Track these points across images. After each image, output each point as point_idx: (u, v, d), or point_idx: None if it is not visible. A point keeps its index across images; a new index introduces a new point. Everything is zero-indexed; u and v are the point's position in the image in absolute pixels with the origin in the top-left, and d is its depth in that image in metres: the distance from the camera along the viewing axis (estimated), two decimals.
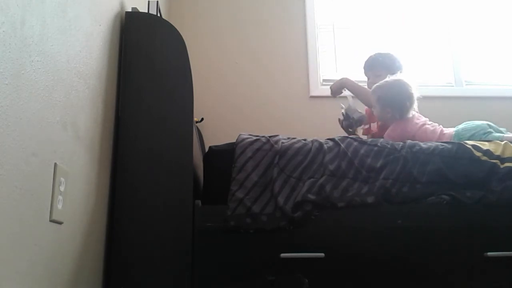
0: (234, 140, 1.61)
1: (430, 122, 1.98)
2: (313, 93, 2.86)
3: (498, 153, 1.58)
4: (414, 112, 1.97)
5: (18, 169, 0.80)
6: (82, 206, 1.14)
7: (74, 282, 1.08)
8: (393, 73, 2.15)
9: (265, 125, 2.69)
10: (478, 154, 1.57)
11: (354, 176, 1.52)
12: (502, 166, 1.54)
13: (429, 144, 1.63)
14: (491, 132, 1.81)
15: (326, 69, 2.97)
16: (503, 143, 1.63)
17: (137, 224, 1.35)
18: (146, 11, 1.59)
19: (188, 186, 1.40)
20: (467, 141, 1.65)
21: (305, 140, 1.64)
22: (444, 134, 1.90)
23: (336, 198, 1.47)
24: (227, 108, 2.80)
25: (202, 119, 2.67)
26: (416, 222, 1.48)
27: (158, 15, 1.61)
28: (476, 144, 1.62)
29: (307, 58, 2.93)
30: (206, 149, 1.69)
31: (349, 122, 2.16)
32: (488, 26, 3.15)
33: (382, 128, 2.16)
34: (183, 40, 1.52)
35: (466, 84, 3.00)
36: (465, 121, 2.06)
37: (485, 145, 1.62)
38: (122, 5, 1.54)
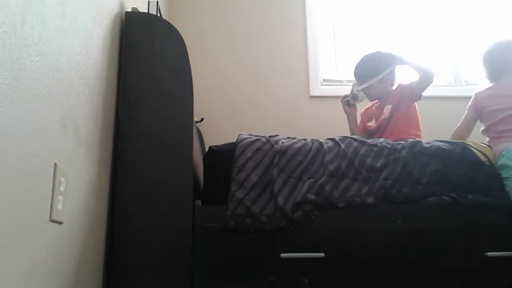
0: (234, 140, 1.61)
1: None
2: (313, 93, 2.86)
3: None
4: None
5: (18, 169, 0.80)
6: (82, 206, 1.14)
7: (74, 282, 1.08)
8: (383, 72, 2.12)
9: (265, 125, 2.69)
10: (483, 159, 1.57)
11: (354, 176, 1.52)
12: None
13: (431, 143, 1.62)
14: None
15: (326, 69, 2.97)
16: None
17: (137, 224, 1.35)
18: (146, 11, 1.59)
19: (188, 186, 1.40)
20: (472, 144, 1.64)
21: (305, 140, 1.64)
22: None
23: (336, 198, 1.47)
24: (227, 108, 2.80)
25: (202, 119, 2.67)
26: (416, 223, 1.48)
27: (158, 15, 1.60)
28: (481, 149, 1.61)
29: (307, 58, 2.93)
30: (206, 149, 1.69)
31: (347, 97, 2.18)
32: (488, 27, 3.15)
33: (380, 125, 2.16)
34: (183, 40, 1.52)
35: (466, 84, 3.00)
36: None
37: (491, 155, 1.62)
38: (122, 5, 1.54)
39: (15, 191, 0.79)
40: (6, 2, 0.76)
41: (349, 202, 1.47)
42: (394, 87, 2.19)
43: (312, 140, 1.63)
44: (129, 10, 1.56)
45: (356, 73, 2.18)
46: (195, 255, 1.38)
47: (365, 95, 2.14)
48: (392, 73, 2.15)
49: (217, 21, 2.97)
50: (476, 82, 3.03)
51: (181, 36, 1.52)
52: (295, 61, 2.93)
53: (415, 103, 2.17)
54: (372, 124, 2.24)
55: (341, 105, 2.35)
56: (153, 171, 1.39)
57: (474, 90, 2.93)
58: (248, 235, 1.42)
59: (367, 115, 2.31)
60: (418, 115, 2.18)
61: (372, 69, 2.11)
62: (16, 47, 0.79)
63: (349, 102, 2.19)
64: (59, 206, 0.97)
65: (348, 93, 2.19)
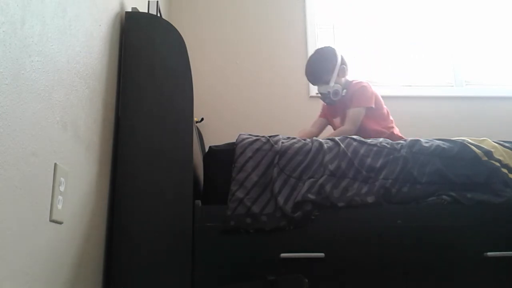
0: (234, 140, 1.61)
1: None
2: (313, 93, 2.85)
3: (506, 162, 1.57)
4: None
5: (18, 169, 0.80)
6: (82, 206, 1.14)
7: (73, 282, 1.08)
8: (337, 63, 2.11)
9: (265, 125, 2.69)
10: (480, 154, 1.57)
11: (354, 176, 1.52)
12: (503, 170, 1.54)
13: (430, 143, 1.62)
14: None
15: None
16: None
17: (137, 224, 1.35)
18: (146, 11, 1.59)
19: (188, 186, 1.40)
20: (469, 140, 1.64)
21: (305, 140, 1.64)
22: None
23: (336, 198, 1.47)
24: (227, 108, 2.80)
25: (202, 119, 2.67)
26: (416, 222, 1.48)
27: (158, 15, 1.61)
28: (479, 144, 1.61)
29: (307, 58, 2.92)
30: (206, 149, 1.69)
31: (328, 99, 2.14)
32: (488, 27, 3.15)
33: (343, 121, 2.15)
34: (183, 40, 1.52)
35: (466, 84, 3.01)
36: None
37: (489, 147, 1.61)
38: (122, 5, 1.55)
39: (15, 191, 0.79)
40: (6, 2, 0.76)
41: (349, 201, 1.47)
42: (350, 79, 2.18)
43: (312, 140, 1.63)
44: (129, 10, 1.56)
45: (314, 75, 2.17)
46: (195, 255, 1.38)
47: (343, 87, 2.12)
48: (343, 61, 2.16)
49: (217, 21, 2.97)
50: (476, 82, 3.04)
51: (181, 36, 1.53)
52: (295, 61, 2.92)
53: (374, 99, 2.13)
54: (337, 121, 2.23)
55: None
56: (153, 171, 1.39)
57: (474, 90, 2.96)
58: (248, 235, 1.42)
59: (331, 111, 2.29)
60: (382, 108, 2.13)
61: (328, 64, 2.12)
62: (16, 47, 0.79)
63: (331, 102, 2.14)
64: (59, 206, 0.97)
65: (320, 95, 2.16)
